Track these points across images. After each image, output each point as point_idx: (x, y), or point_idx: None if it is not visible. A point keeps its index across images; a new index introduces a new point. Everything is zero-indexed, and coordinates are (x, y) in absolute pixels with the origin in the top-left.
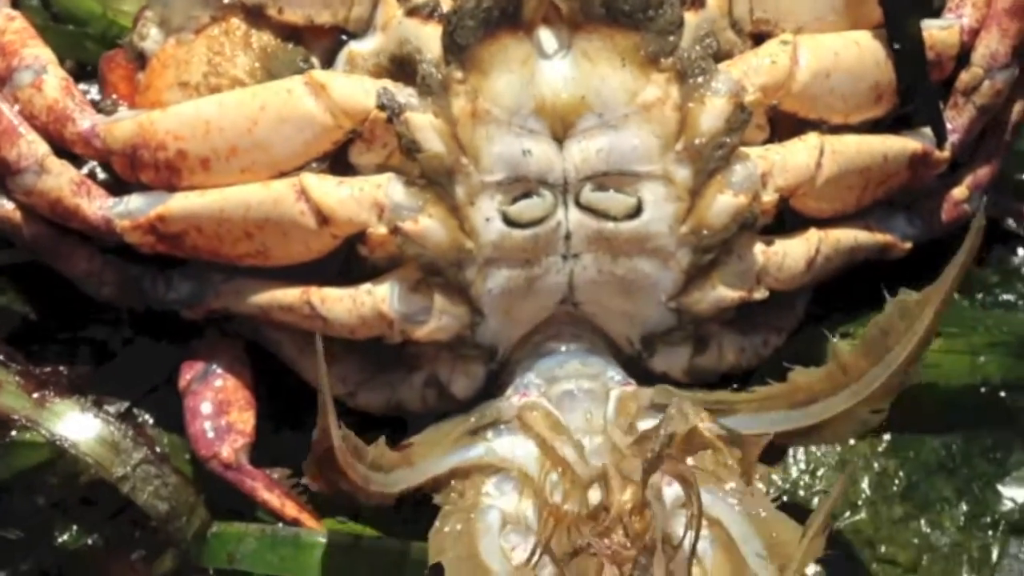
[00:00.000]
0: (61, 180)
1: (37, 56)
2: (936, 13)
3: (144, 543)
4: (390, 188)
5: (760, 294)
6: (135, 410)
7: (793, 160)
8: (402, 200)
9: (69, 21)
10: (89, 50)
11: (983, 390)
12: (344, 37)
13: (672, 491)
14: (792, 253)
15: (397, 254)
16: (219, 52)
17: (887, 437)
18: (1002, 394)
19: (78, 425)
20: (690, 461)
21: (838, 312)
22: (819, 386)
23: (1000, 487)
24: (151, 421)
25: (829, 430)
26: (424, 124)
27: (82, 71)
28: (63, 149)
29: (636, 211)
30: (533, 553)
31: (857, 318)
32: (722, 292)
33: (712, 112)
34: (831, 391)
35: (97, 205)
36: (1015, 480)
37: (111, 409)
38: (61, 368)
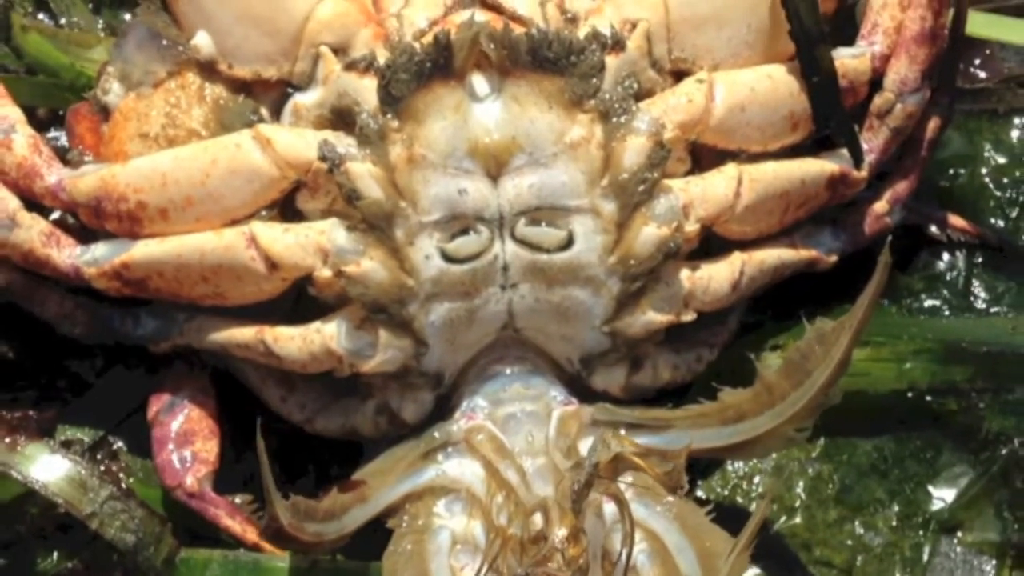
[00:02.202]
0: (32, 233)
1: (6, 116)
2: (851, 40)
3: (121, 565)
4: (333, 233)
5: (688, 317)
6: (110, 438)
7: (713, 191)
8: (344, 244)
9: (41, 71)
10: (61, 97)
11: (910, 395)
12: (290, 90)
13: (612, 507)
14: (717, 276)
15: (343, 293)
16: (176, 105)
17: (821, 442)
18: (928, 398)
19: (48, 466)
20: (630, 478)
21: (771, 322)
22: (747, 405)
23: (930, 487)
24: (125, 448)
25: (759, 445)
26: (363, 173)
27: (55, 117)
28: (33, 201)
29: (567, 243)
30: (479, 573)
31: (789, 329)
32: (652, 316)
33: (634, 149)
34: (758, 410)
35: (66, 254)
36: (944, 480)
37: (86, 438)
38: (31, 412)
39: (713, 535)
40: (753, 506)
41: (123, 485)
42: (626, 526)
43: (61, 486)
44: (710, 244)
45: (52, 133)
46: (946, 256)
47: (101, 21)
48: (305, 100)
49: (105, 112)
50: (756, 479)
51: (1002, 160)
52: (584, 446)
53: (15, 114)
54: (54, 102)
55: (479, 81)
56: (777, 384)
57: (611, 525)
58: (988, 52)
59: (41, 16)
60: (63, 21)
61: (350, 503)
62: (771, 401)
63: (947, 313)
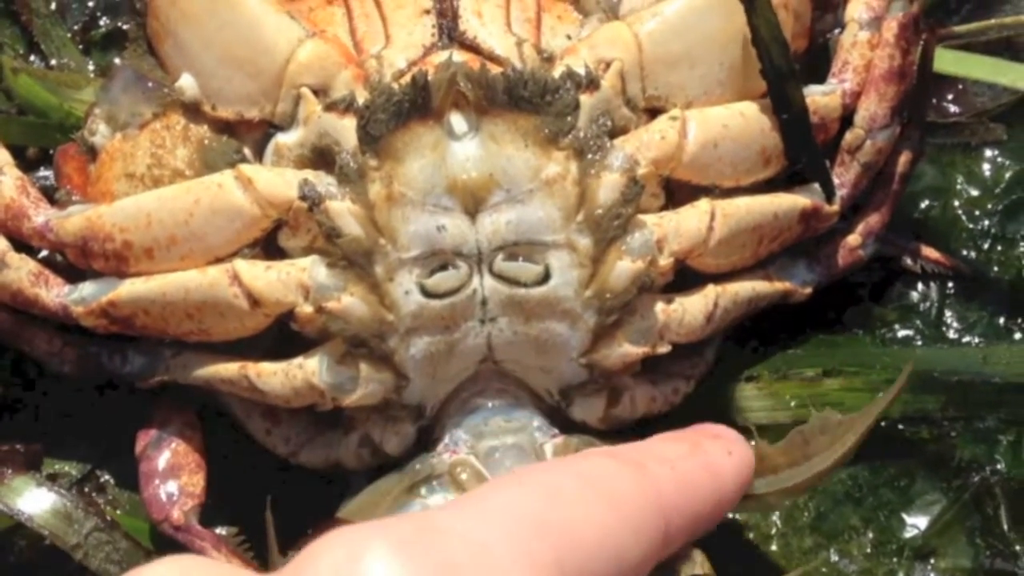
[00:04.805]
0: (21, 273)
1: None
2: (823, 77)
3: None
4: (314, 270)
5: (663, 348)
6: (97, 471)
7: (686, 225)
8: (325, 281)
9: (30, 112)
10: (50, 137)
11: (883, 424)
12: (272, 130)
13: None
14: (691, 309)
15: (324, 329)
16: (161, 145)
17: None
18: (901, 427)
19: (34, 499)
20: None
21: (747, 354)
22: None
23: (904, 515)
24: (112, 481)
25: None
26: (342, 211)
27: (44, 156)
28: (21, 241)
29: (544, 278)
30: None
31: (764, 360)
32: (627, 348)
33: (608, 186)
34: None
35: (55, 293)
36: (918, 508)
37: (74, 472)
38: (18, 446)
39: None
40: (728, 535)
41: (108, 517)
42: None
43: (47, 518)
44: (685, 277)
45: (41, 172)
46: (919, 287)
47: (91, 63)
48: (286, 140)
49: (92, 152)
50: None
51: (974, 192)
52: None
53: (3, 157)
54: (44, 142)
55: (457, 120)
56: (771, 456)
57: None
58: (960, 87)
59: (32, 58)
60: (53, 62)
61: None
62: (761, 470)
63: (920, 343)
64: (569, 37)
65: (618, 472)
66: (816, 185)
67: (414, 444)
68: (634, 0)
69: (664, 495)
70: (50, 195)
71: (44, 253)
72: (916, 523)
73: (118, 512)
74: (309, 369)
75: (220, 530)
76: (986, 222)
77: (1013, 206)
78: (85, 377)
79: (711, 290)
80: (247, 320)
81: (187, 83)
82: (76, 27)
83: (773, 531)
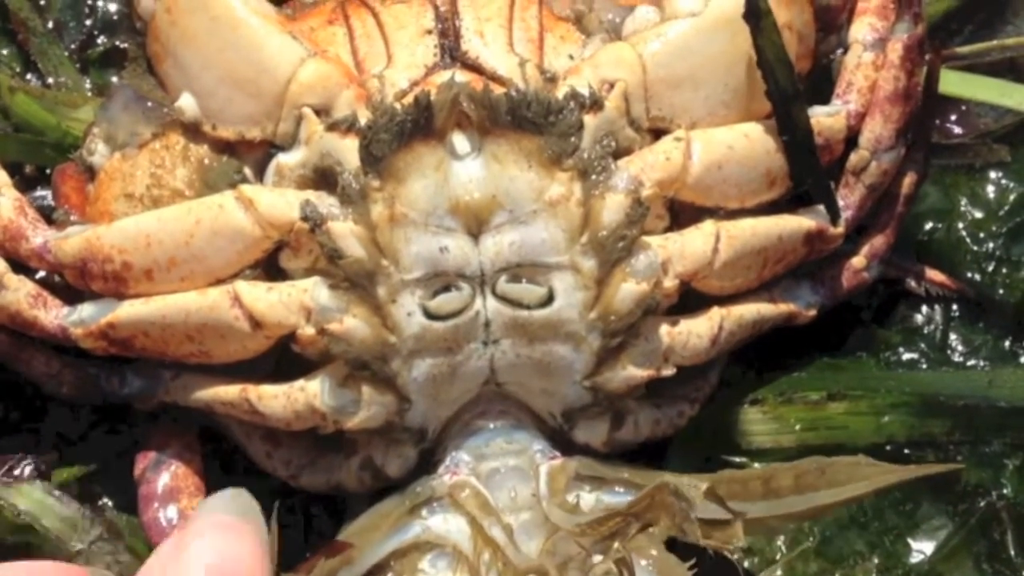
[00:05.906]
0: (19, 295)
1: None
2: (827, 98)
3: None
4: (316, 292)
5: (668, 371)
6: (95, 493)
7: (691, 247)
8: (327, 303)
9: (27, 130)
10: (48, 156)
11: (889, 448)
12: (273, 150)
13: (597, 557)
14: (696, 331)
15: (326, 351)
16: (160, 165)
17: None
18: (907, 451)
19: (41, 504)
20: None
21: (752, 377)
22: (736, 488)
23: (910, 540)
24: (111, 504)
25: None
26: (344, 232)
27: (42, 175)
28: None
29: (548, 300)
30: None
31: (769, 383)
32: (632, 371)
33: (612, 207)
34: (746, 496)
35: (53, 315)
36: (924, 533)
37: (73, 492)
38: (28, 456)
39: None
40: (735, 558)
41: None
42: None
43: (53, 522)
44: (689, 299)
45: (39, 192)
46: (924, 309)
47: (89, 81)
48: (288, 160)
49: (91, 172)
50: None
51: (979, 214)
52: (572, 499)
53: (1, 178)
54: (41, 160)
55: (460, 140)
56: (778, 476)
57: None
58: (964, 108)
59: (29, 76)
60: (51, 81)
61: (336, 567)
62: (764, 493)
63: (925, 366)
64: (572, 57)
65: None
66: (821, 207)
67: (415, 466)
68: (637, 20)
69: None
70: (48, 215)
71: (42, 274)
72: (922, 548)
73: None
74: (311, 392)
75: None
76: (990, 244)
77: (1017, 228)
78: (83, 399)
79: (716, 312)
80: (248, 342)
81: (187, 103)
82: (73, 46)
83: (778, 556)
